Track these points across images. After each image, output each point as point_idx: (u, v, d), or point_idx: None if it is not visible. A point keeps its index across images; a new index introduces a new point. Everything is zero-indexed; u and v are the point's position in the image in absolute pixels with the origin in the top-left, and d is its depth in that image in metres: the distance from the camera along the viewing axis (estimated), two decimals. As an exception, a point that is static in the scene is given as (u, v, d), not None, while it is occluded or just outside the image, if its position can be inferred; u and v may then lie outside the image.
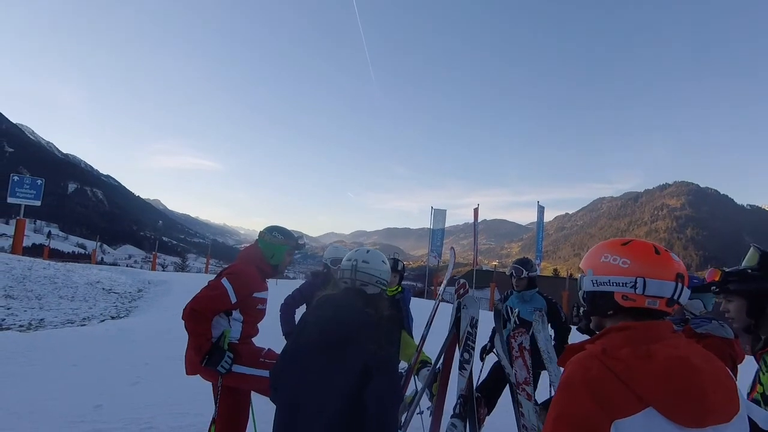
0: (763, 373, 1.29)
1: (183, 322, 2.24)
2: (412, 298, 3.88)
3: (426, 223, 19.70)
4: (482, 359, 3.50)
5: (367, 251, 1.90)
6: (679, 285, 0.97)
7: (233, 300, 2.33)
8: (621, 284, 1.00)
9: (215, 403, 2.38)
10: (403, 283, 3.75)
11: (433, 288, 21.12)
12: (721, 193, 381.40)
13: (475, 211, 20.57)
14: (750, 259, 1.33)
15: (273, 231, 2.63)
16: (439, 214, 20.22)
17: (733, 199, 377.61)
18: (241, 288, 2.36)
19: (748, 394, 1.32)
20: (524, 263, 3.50)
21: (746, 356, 1.81)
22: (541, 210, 19.03)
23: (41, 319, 7.27)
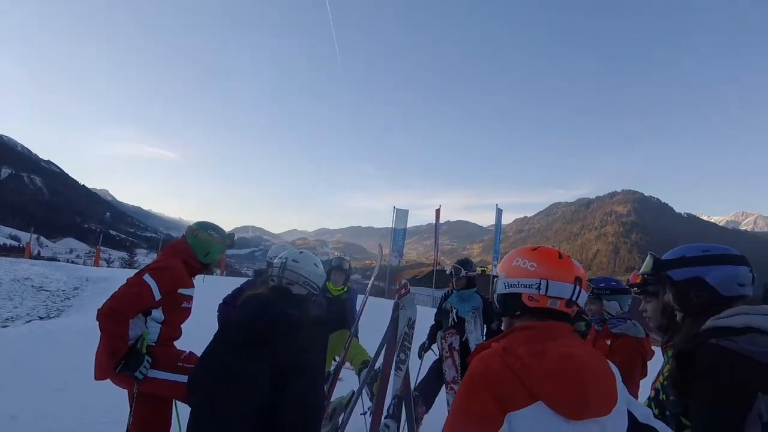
0: (666, 364, 1.38)
1: (97, 322, 2.05)
2: (369, 297, 3.86)
3: (390, 222, 19.80)
4: (420, 357, 3.56)
5: (300, 252, 1.87)
6: (577, 287, 1.07)
7: (157, 297, 2.18)
8: (528, 286, 1.08)
9: (130, 412, 2.20)
10: (349, 282, 3.72)
11: (393, 288, 21.29)
12: (663, 201, 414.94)
13: (437, 211, 20.94)
14: (646, 265, 1.38)
15: (208, 228, 2.51)
16: (401, 214, 20.37)
17: (672, 208, 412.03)
18: (166, 284, 2.21)
19: (653, 383, 1.43)
20: (464, 263, 3.70)
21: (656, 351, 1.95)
22: (499, 212, 19.65)
23: (-45, 319, 6.57)
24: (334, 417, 2.80)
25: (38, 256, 35.56)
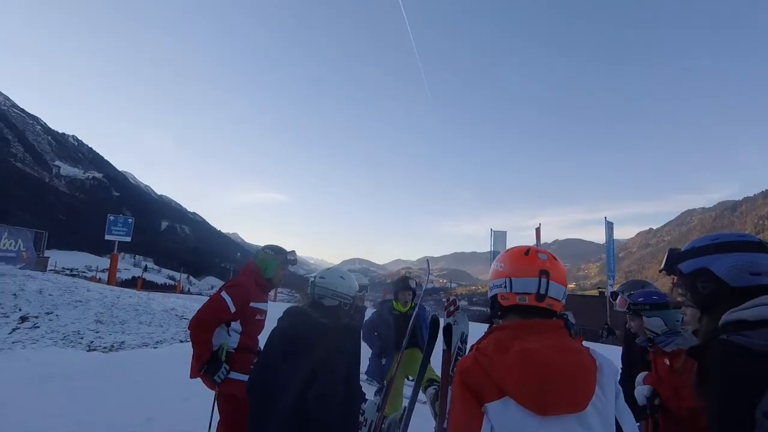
0: None
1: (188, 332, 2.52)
2: (471, 323, 3.94)
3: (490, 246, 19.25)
4: None
5: (328, 269, 2.13)
6: (543, 280, 1.08)
7: (232, 310, 2.58)
8: (498, 286, 1.15)
9: (212, 409, 2.61)
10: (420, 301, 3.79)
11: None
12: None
13: (537, 231, 19.67)
14: (664, 261, 1.26)
15: (266, 248, 2.92)
16: (499, 237, 19.68)
17: None
18: (238, 299, 2.61)
19: None
20: None
21: None
22: (609, 226, 17.67)
23: (122, 342, 8.20)
24: None
25: (188, 292, 42.35)
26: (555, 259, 1.14)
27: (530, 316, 1.09)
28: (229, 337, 2.64)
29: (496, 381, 0.96)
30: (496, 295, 1.15)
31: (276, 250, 2.91)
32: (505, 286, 1.11)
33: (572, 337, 1.14)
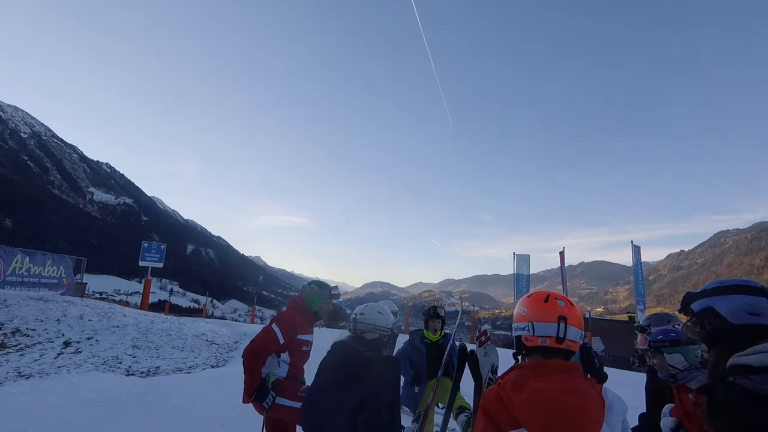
0: None
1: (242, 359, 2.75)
2: (500, 349, 4.03)
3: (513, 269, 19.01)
4: None
5: (366, 306, 2.37)
6: (562, 325, 1.25)
7: (281, 341, 2.80)
8: (522, 329, 1.32)
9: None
10: (446, 330, 3.93)
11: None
12: None
13: (561, 254, 19.31)
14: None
15: (312, 284, 3.14)
16: (522, 260, 19.40)
17: None
18: (287, 331, 2.83)
19: None
20: None
21: None
22: (636, 250, 17.25)
23: (157, 367, 8.53)
24: None
25: (212, 316, 43.10)
26: (572, 305, 1.30)
27: (551, 356, 1.26)
28: (278, 368, 2.85)
29: (513, 414, 1.12)
30: (520, 336, 1.32)
31: (321, 286, 3.13)
32: (528, 330, 1.28)
33: (585, 376, 1.29)
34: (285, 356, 2.88)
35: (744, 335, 1.18)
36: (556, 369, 1.22)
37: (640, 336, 2.71)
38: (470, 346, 2.98)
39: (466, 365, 2.78)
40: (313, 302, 3.05)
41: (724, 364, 1.20)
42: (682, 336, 2.11)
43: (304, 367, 3.05)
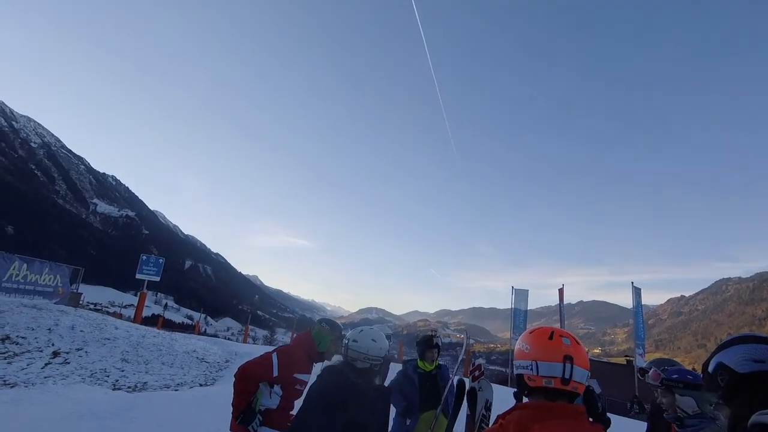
0: None
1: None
2: (495, 386, 3.79)
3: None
4: None
5: (360, 331, 2.27)
6: (567, 365, 1.17)
7: (274, 374, 2.70)
8: (525, 367, 1.23)
9: None
10: (440, 361, 3.82)
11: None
12: None
13: (560, 291, 19.10)
14: None
15: (322, 322, 3.04)
16: (520, 294, 19.19)
17: None
18: (284, 366, 2.74)
19: None
20: None
21: None
22: (636, 292, 17.03)
23: (145, 382, 8.36)
24: None
25: (204, 333, 42.38)
26: (578, 343, 1.22)
27: (555, 398, 1.17)
28: (269, 399, 2.74)
29: None
30: (522, 374, 1.23)
31: (332, 326, 3.03)
32: (532, 369, 1.19)
33: (591, 422, 1.24)
34: (278, 388, 2.79)
35: (754, 384, 1.16)
36: (562, 413, 1.15)
37: (653, 370, 2.57)
38: (465, 381, 2.91)
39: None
40: (321, 341, 2.93)
41: (744, 424, 1.14)
42: (703, 386, 2.05)
43: (296, 402, 2.97)
